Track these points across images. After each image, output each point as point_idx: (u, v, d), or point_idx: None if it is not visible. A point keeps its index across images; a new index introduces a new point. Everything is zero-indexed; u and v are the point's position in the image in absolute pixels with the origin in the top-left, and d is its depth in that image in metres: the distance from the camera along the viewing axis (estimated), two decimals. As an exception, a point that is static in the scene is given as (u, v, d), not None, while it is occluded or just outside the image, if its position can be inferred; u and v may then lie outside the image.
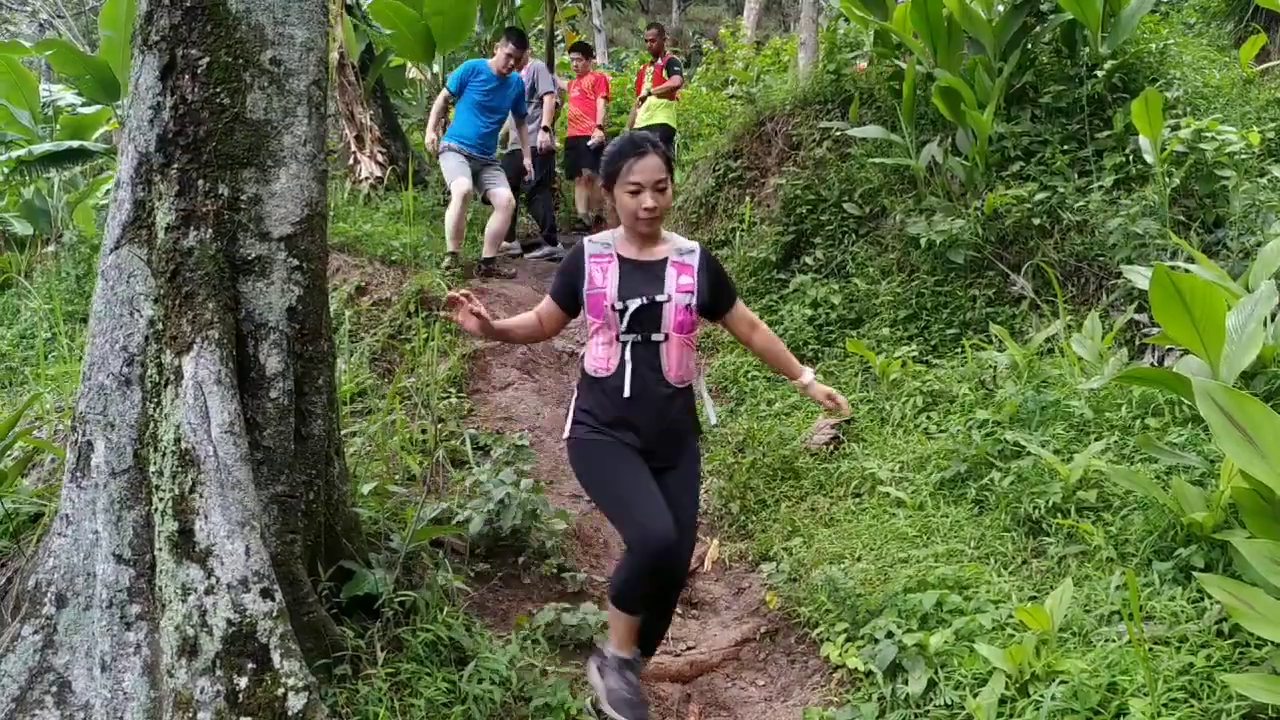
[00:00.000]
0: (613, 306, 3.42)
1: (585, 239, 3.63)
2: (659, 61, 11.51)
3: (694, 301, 3.50)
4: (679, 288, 3.48)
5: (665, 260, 3.52)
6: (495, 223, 8.80)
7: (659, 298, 3.43)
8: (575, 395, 3.59)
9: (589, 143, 10.72)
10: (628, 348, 3.44)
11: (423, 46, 10.73)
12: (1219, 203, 5.83)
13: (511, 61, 8.99)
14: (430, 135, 9.02)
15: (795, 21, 16.71)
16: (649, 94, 11.33)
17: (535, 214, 10.15)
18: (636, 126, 11.20)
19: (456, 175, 8.65)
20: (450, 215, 8.62)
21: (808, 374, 3.81)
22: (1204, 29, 9.90)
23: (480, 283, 8.48)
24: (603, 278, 3.47)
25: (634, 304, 3.41)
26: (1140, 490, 3.86)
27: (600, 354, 3.50)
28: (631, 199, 3.39)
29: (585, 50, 11.58)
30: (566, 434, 3.55)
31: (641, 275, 3.48)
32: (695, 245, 3.60)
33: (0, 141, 11.98)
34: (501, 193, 8.83)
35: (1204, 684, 2.99)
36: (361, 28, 11.16)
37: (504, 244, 9.64)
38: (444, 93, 9.14)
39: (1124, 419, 4.64)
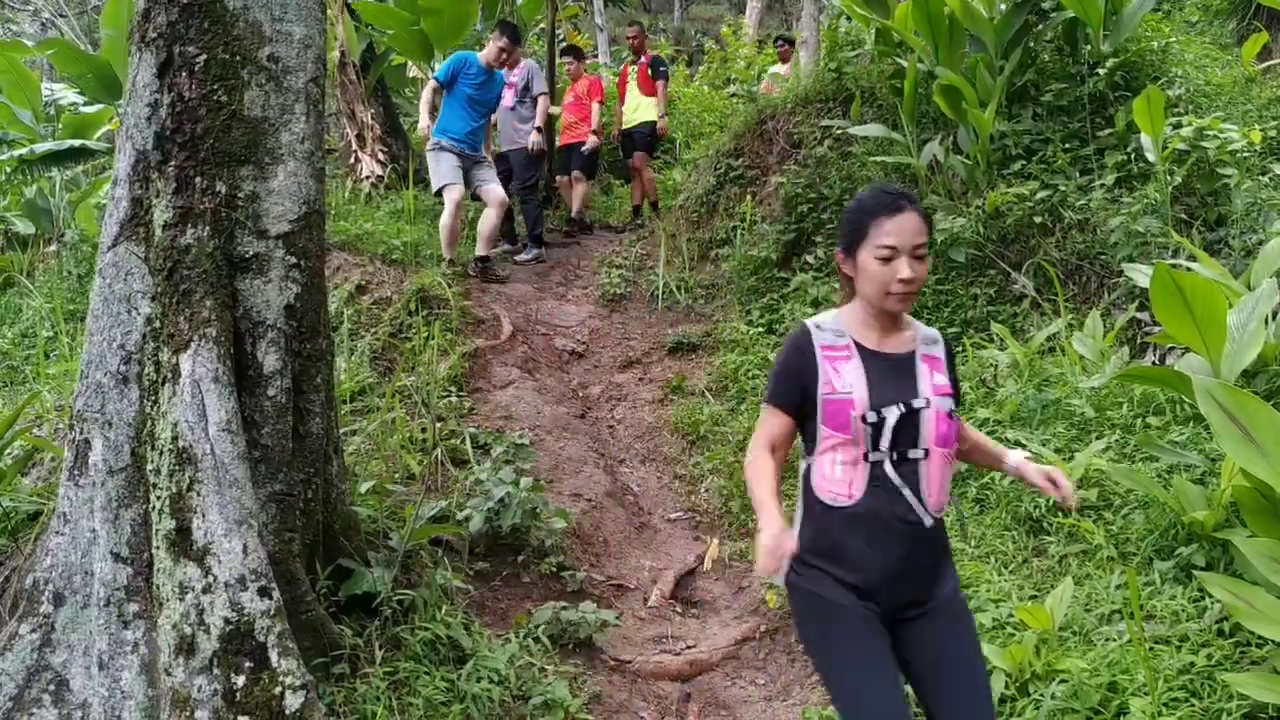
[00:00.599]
0: (863, 418, 2.56)
1: (808, 323, 2.75)
2: (642, 60, 11.27)
3: (954, 406, 2.70)
4: (935, 388, 2.66)
5: (914, 353, 2.70)
6: (489, 220, 8.68)
7: (916, 403, 2.61)
8: (799, 520, 2.72)
9: (584, 148, 10.53)
10: (878, 469, 2.58)
11: (421, 46, 10.72)
12: (1221, 201, 5.81)
13: (504, 56, 8.82)
14: (425, 122, 8.78)
15: (797, 20, 16.71)
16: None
17: (525, 215, 10.02)
18: (624, 126, 11.23)
19: (448, 180, 8.47)
20: (445, 224, 8.43)
21: (1015, 455, 2.85)
22: (1206, 27, 9.89)
23: (479, 281, 8.46)
24: (844, 378, 2.62)
25: (892, 413, 2.57)
26: (1141, 489, 3.85)
27: (837, 475, 2.62)
28: (881, 268, 2.58)
29: (577, 53, 11.36)
30: (785, 573, 2.65)
31: (893, 373, 2.66)
32: (937, 333, 2.82)
33: (2, 140, 11.97)
34: (494, 190, 8.71)
35: (1205, 683, 2.99)
36: (362, 27, 11.15)
37: (503, 246, 9.57)
38: (432, 83, 8.91)
39: (1125, 417, 4.62)
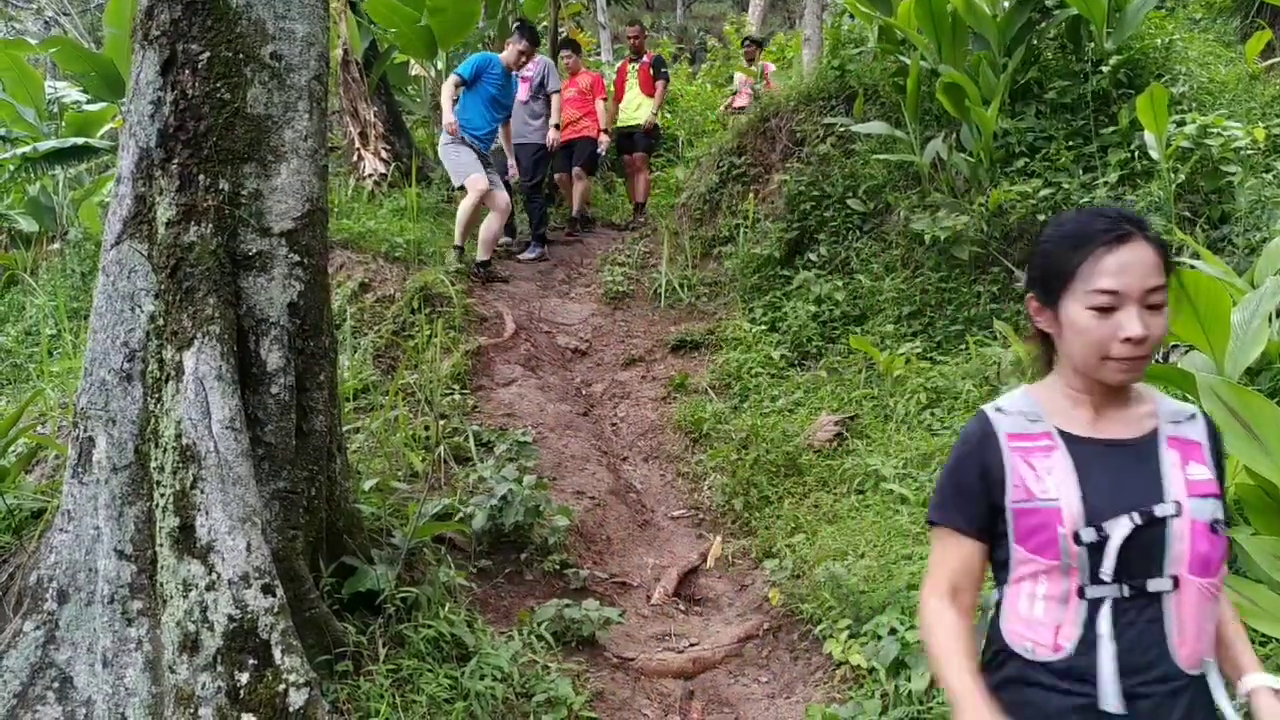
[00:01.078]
0: (1076, 536, 1.80)
1: (986, 409, 2.04)
2: (643, 60, 11.17)
3: (1220, 515, 1.85)
4: (1190, 486, 1.85)
5: (1155, 436, 1.91)
6: (492, 225, 8.66)
7: (1160, 510, 1.80)
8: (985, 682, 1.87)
9: (598, 148, 10.39)
10: (1102, 608, 1.80)
11: (424, 44, 10.71)
12: (1224, 199, 5.81)
13: (523, 59, 8.90)
14: (450, 117, 8.58)
15: (800, 18, 16.69)
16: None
17: (530, 213, 9.96)
18: (618, 125, 11.10)
19: (472, 170, 8.45)
20: (464, 208, 8.45)
21: (1256, 679, 1.88)
22: (1209, 24, 9.86)
23: (481, 285, 8.44)
24: (1044, 480, 1.86)
25: (1119, 528, 1.79)
26: (1144, 486, 3.84)
27: (1039, 617, 1.85)
28: (1098, 322, 1.82)
29: (575, 47, 11.15)
30: None
31: (1121, 468, 1.87)
32: (1191, 407, 1.99)
33: (5, 139, 11.98)
34: (500, 196, 8.67)
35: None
36: (365, 25, 11.15)
37: (503, 239, 9.57)
38: (454, 78, 8.81)
39: (1129, 415, 4.61)
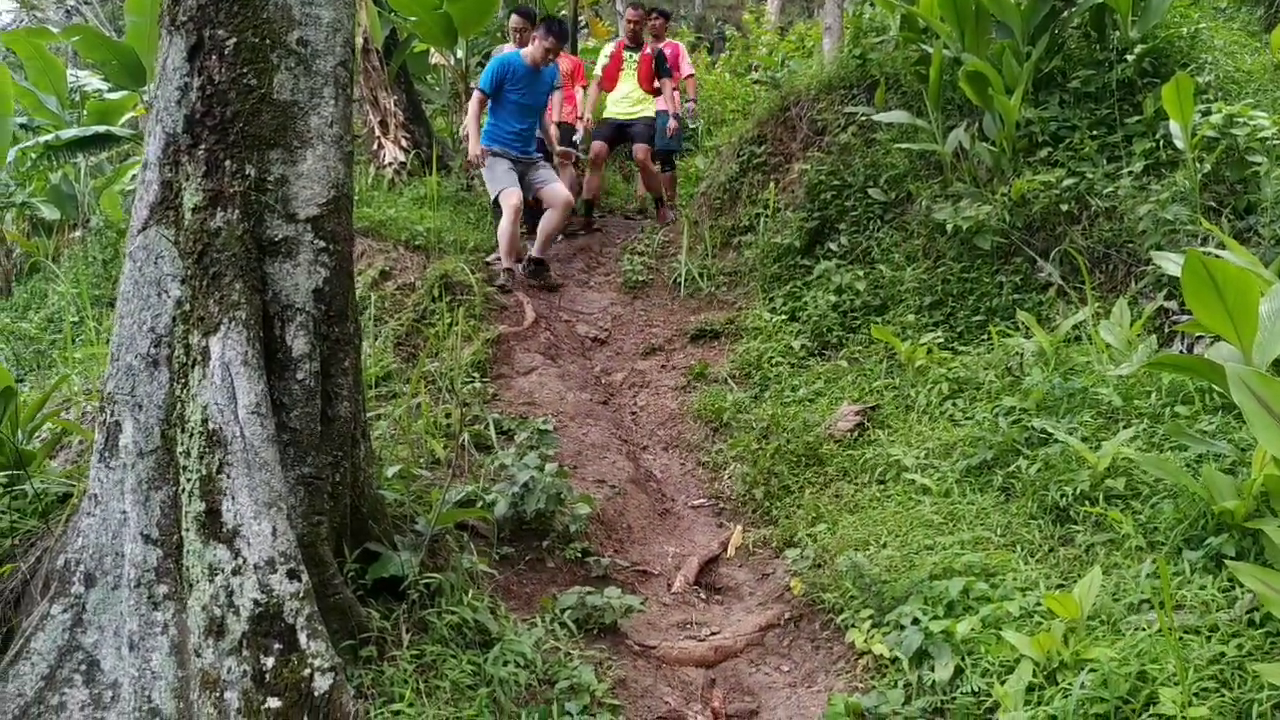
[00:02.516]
0: None
1: None
2: (644, 51, 10.08)
3: None
4: None
5: None
6: (551, 220, 8.35)
7: None
8: None
9: (575, 137, 10.03)
10: None
11: (444, 32, 10.71)
12: (1250, 189, 5.75)
13: (550, 56, 8.33)
14: (474, 149, 8.23)
15: (819, 7, 16.60)
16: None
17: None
18: (610, 116, 10.16)
19: (505, 185, 8.09)
20: (503, 231, 8.06)
21: None
22: (1235, 13, 9.77)
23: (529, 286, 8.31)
24: None
25: None
26: (1170, 478, 3.83)
27: None
28: None
29: (528, 19, 10.25)
30: None
31: None
32: None
33: (28, 127, 12.07)
34: (557, 190, 8.35)
35: (1235, 673, 2.97)
36: (385, 13, 11.16)
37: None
38: (477, 94, 8.39)
39: (1153, 406, 4.59)
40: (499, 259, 8.32)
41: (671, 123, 9.91)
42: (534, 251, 8.46)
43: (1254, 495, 3.48)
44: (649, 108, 10.08)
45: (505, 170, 8.21)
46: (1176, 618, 3.23)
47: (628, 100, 10.06)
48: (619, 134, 10.14)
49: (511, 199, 8.01)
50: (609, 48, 10.32)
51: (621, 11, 17.45)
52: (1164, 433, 4.32)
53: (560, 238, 9.65)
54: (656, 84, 10.00)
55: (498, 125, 8.34)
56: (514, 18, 9.46)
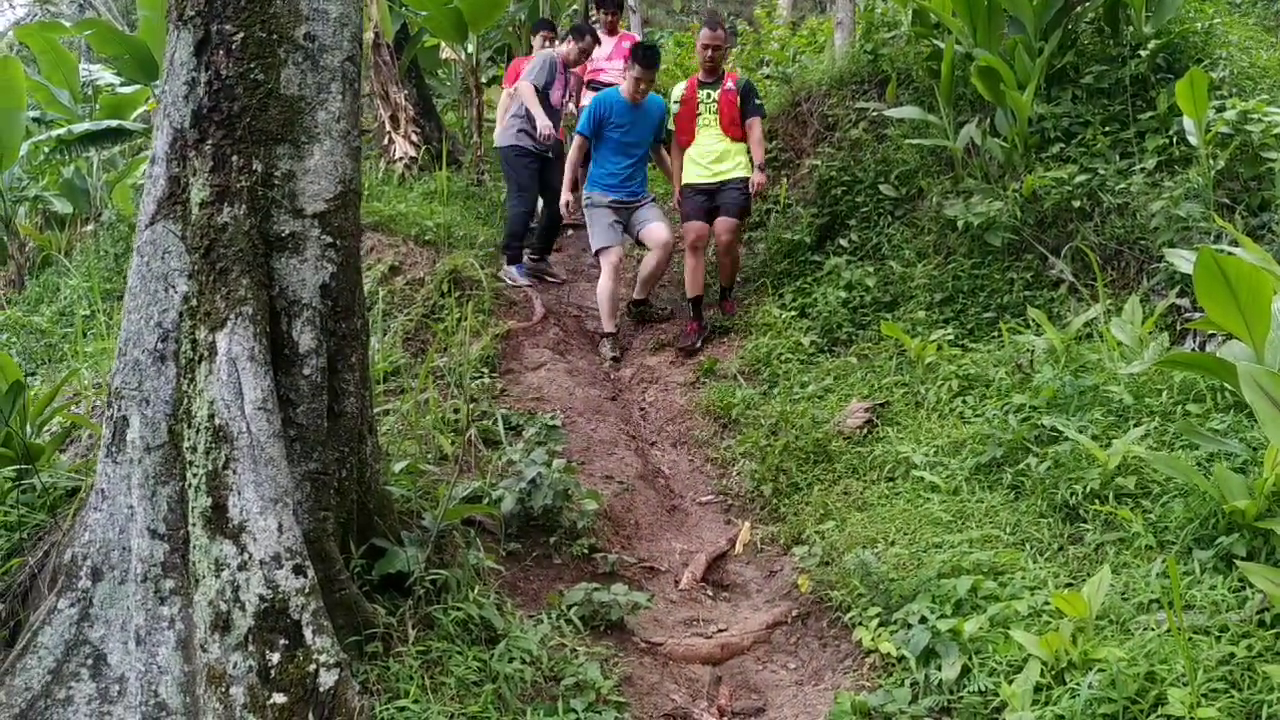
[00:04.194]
0: None
1: None
2: (725, 86, 7.63)
3: None
4: None
5: None
6: (651, 262, 7.82)
7: None
8: None
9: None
10: None
11: (455, 27, 10.70)
12: (1265, 186, 5.71)
13: (643, 86, 7.55)
14: (566, 197, 7.72)
15: (831, 1, 16.55)
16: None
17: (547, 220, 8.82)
18: (692, 181, 7.66)
19: (605, 242, 7.58)
20: (603, 291, 7.54)
21: None
22: (1250, 8, 9.71)
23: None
24: None
25: None
26: (1181, 477, 3.81)
27: None
28: None
29: (551, 27, 9.78)
30: None
31: None
32: None
33: (41, 121, 12.10)
34: (657, 230, 7.66)
35: (1245, 674, 2.95)
36: (396, 8, 11.16)
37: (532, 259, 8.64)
38: (578, 139, 7.79)
39: (1164, 405, 4.56)
40: (510, 273, 8.21)
41: (758, 177, 7.47)
42: (636, 294, 8.03)
43: (1265, 495, 3.46)
44: (741, 164, 7.56)
45: (607, 225, 7.67)
46: (1186, 618, 3.21)
47: (711, 156, 7.60)
48: (711, 204, 7.61)
49: (612, 257, 7.54)
50: (679, 90, 7.83)
51: (633, 6, 17.31)
52: (1175, 431, 4.29)
53: (570, 231, 9.64)
54: (744, 126, 7.60)
55: (600, 168, 7.79)
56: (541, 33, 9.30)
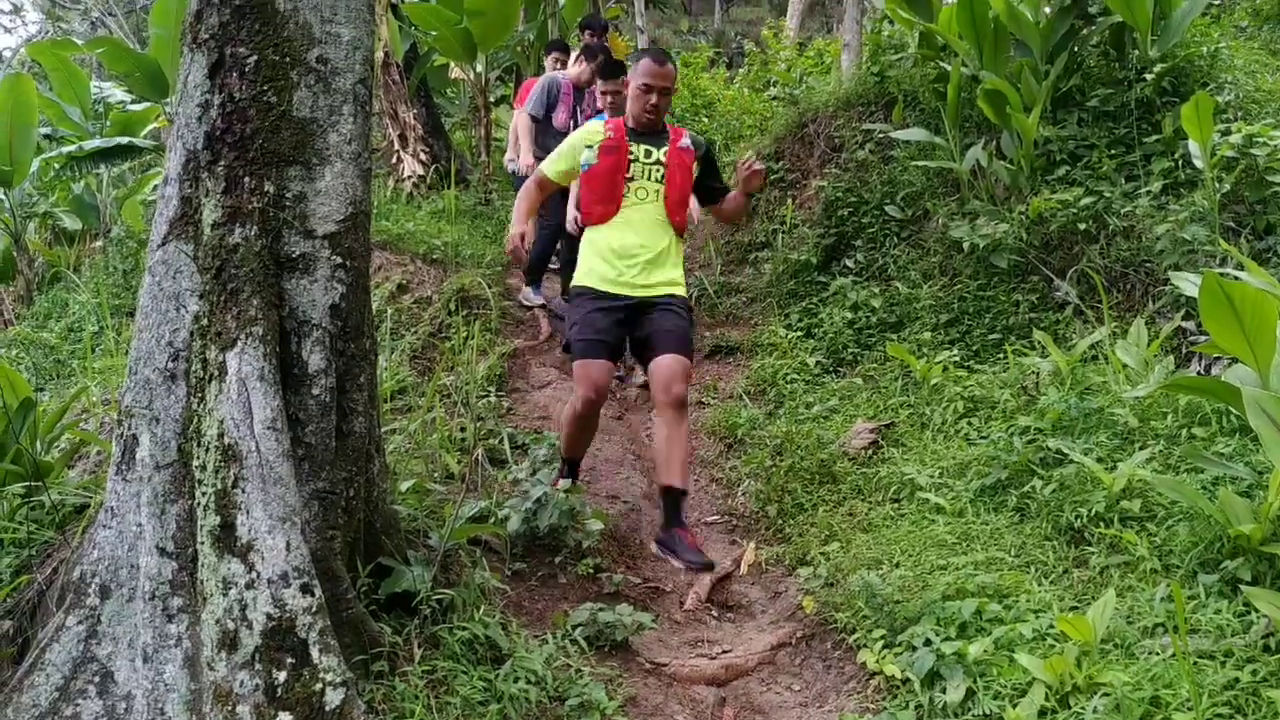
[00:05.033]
0: None
1: None
2: (672, 139, 4.91)
3: None
4: None
5: None
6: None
7: None
8: None
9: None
10: None
11: (464, 47, 10.78)
12: (1270, 209, 5.73)
13: (610, 100, 6.76)
14: (573, 213, 6.87)
15: (838, 23, 16.60)
16: None
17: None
18: (602, 287, 4.80)
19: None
20: None
21: None
22: (1256, 32, 9.75)
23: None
24: None
25: None
26: (1186, 501, 3.81)
27: None
28: None
29: (564, 49, 9.34)
30: None
31: None
32: None
33: (52, 138, 12.18)
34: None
35: (1250, 700, 2.95)
36: (406, 28, 11.24)
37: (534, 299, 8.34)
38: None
39: (1169, 428, 4.57)
40: (527, 293, 8.18)
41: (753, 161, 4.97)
42: None
43: (1271, 519, 3.46)
44: (679, 273, 4.93)
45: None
46: (1191, 642, 3.21)
47: (642, 254, 4.78)
48: (630, 326, 4.86)
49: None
50: (595, 131, 4.94)
51: (642, 27, 17.22)
52: (1180, 454, 4.30)
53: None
54: (703, 211, 5.75)
55: None
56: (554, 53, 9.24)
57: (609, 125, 4.94)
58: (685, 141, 4.94)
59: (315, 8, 3.45)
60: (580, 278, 4.92)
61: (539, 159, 7.53)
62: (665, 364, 4.68)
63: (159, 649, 3.17)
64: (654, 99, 4.82)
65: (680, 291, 4.90)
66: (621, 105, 5.95)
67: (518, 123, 8.20)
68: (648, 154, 4.86)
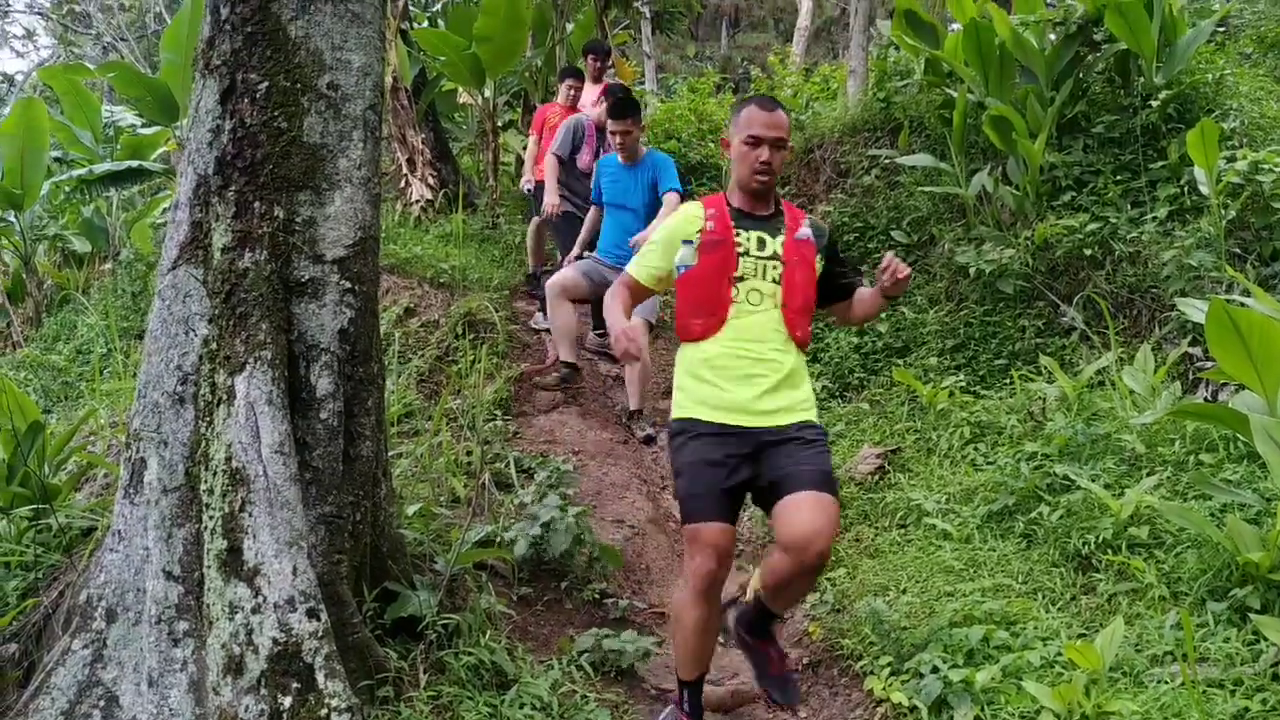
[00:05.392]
0: None
1: None
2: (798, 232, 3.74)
3: None
4: None
5: None
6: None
7: None
8: None
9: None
10: None
11: (472, 72, 10.84)
12: (1276, 235, 5.74)
13: (619, 140, 6.74)
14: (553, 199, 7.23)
15: (844, 49, 16.68)
16: None
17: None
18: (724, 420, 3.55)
19: (563, 280, 6.95)
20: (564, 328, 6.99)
21: None
22: (1260, 59, 9.78)
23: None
24: None
25: None
26: (1194, 528, 3.80)
27: None
28: None
29: (578, 75, 9.19)
30: None
31: None
32: None
33: (63, 161, 12.26)
34: None
35: (1259, 729, 2.93)
36: (414, 53, 11.31)
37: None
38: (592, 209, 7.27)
39: (1177, 454, 4.56)
40: (539, 318, 8.17)
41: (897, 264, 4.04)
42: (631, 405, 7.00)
43: (1279, 547, 3.45)
44: (810, 394, 3.79)
45: (580, 272, 7.04)
46: (1200, 671, 3.19)
47: (761, 376, 3.61)
48: (748, 472, 3.56)
49: (562, 295, 6.95)
50: (695, 217, 3.74)
51: (649, 52, 17.30)
52: (1188, 481, 4.29)
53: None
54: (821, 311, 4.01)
55: (604, 236, 7.17)
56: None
57: (708, 208, 3.71)
58: (805, 231, 3.73)
59: (326, 35, 3.48)
60: (680, 408, 3.70)
61: (564, 198, 7.75)
62: (805, 508, 3.36)
63: (164, 673, 3.17)
64: (764, 154, 3.60)
65: (814, 416, 3.68)
66: (632, 146, 6.43)
67: (547, 166, 8.10)
68: (761, 244, 3.64)
